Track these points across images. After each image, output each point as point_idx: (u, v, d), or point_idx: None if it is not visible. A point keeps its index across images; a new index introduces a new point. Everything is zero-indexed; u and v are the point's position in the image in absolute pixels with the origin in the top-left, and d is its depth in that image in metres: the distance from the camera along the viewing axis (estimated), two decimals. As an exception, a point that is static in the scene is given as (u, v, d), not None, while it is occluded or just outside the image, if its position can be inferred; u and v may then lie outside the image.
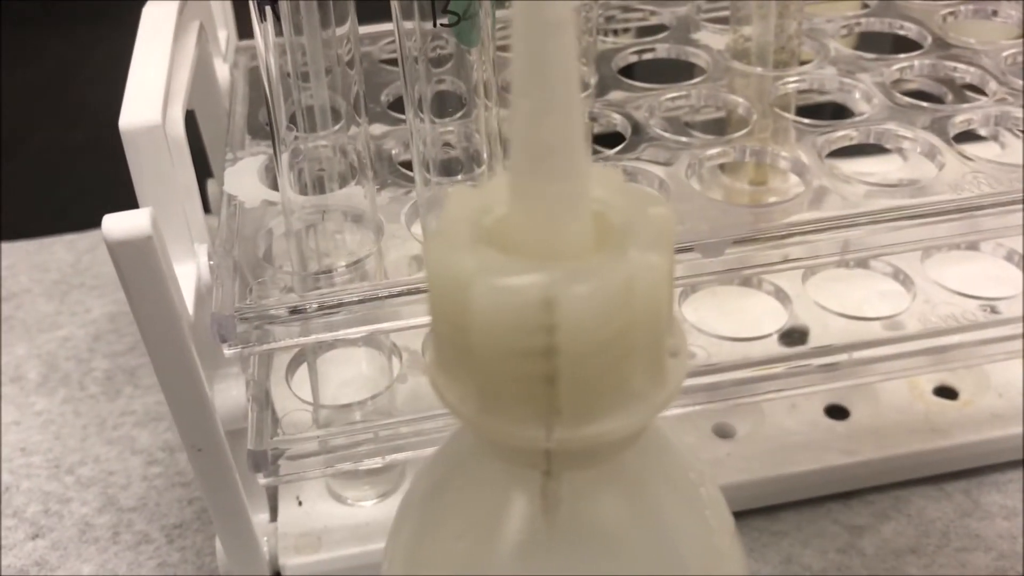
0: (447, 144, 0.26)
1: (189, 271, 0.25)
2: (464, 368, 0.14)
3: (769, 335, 0.31)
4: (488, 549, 0.15)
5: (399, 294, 0.25)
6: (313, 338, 0.25)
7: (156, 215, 0.21)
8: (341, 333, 0.26)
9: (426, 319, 0.26)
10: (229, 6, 0.37)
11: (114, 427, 0.36)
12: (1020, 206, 0.27)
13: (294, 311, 0.25)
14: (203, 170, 0.32)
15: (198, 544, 0.31)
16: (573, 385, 0.13)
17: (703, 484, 0.17)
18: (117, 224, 0.21)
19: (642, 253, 0.13)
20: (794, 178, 0.31)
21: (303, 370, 0.30)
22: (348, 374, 0.30)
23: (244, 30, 0.37)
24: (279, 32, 0.24)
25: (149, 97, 0.24)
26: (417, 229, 0.27)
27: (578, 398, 0.14)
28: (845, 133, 0.30)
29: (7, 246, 0.47)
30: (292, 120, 0.26)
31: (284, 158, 0.26)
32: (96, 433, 0.36)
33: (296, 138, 0.26)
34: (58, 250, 0.46)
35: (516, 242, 0.14)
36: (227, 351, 0.24)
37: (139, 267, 0.21)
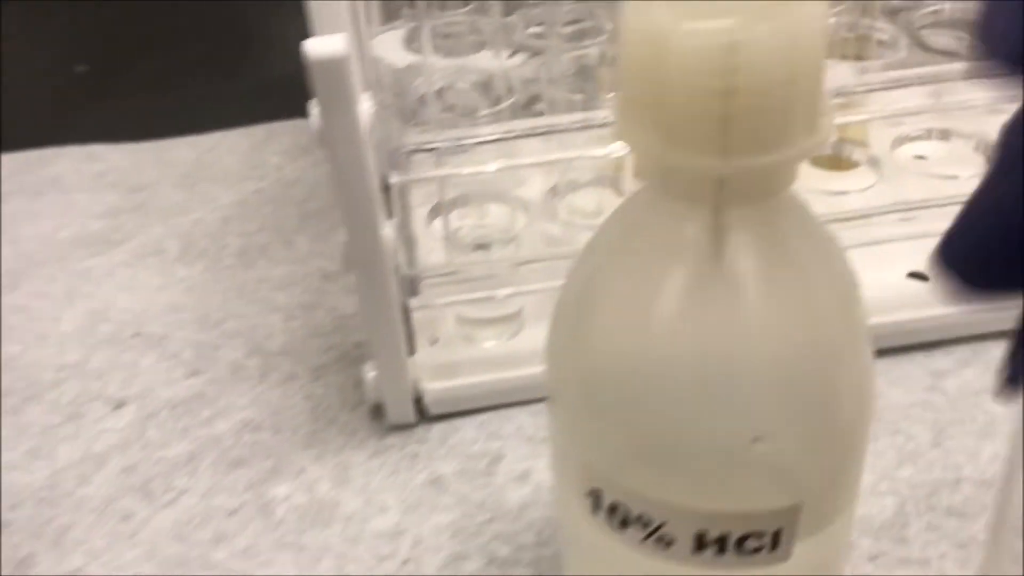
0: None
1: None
2: (651, 112, 0.17)
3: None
4: (660, 276, 0.18)
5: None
6: (467, 170, 0.29)
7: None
8: (482, 167, 0.29)
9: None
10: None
11: (253, 291, 0.40)
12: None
13: (451, 145, 0.28)
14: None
15: (339, 382, 0.35)
16: (748, 120, 0.16)
17: (836, 240, 0.20)
18: (318, 47, 0.24)
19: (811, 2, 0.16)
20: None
21: (438, 223, 0.33)
22: (481, 225, 0.33)
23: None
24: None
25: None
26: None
27: (751, 132, 0.17)
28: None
29: (131, 146, 0.50)
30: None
31: (426, 28, 0.29)
32: (236, 296, 0.40)
33: (432, 8, 0.29)
34: (181, 150, 0.50)
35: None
36: (393, 180, 0.28)
37: (334, 84, 0.24)
